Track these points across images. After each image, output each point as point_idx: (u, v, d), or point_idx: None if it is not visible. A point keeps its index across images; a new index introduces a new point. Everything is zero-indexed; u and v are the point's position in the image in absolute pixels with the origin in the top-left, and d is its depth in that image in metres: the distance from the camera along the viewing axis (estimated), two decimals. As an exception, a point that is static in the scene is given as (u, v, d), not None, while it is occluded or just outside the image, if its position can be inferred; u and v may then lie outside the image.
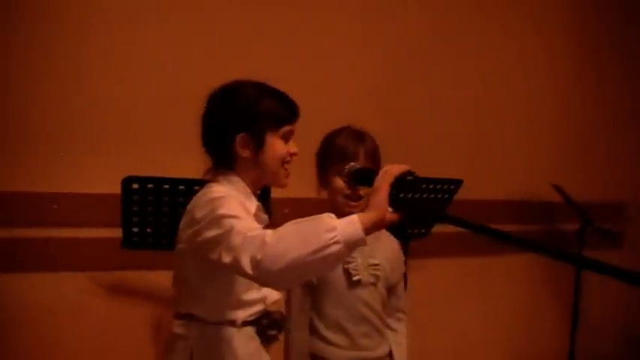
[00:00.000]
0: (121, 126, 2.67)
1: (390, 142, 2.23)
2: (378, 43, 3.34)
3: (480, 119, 3.71)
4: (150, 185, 2.30)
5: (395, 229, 2.35)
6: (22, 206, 2.50)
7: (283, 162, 1.80)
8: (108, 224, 2.43)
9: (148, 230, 2.36)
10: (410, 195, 1.56)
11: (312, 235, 1.41)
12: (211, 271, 1.68)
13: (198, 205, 1.67)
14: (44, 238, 2.54)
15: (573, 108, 4.15)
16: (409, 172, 1.56)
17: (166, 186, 2.32)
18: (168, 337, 1.82)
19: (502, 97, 3.80)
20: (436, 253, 3.39)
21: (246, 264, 1.43)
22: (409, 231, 2.77)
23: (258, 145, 1.75)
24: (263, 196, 1.93)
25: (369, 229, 1.47)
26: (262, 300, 1.81)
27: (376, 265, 2.22)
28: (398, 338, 2.34)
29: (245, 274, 1.46)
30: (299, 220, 1.46)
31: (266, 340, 1.84)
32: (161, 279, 2.08)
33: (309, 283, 2.18)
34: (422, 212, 2.10)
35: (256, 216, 1.70)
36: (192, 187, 2.21)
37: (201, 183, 1.82)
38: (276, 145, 1.77)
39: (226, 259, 1.49)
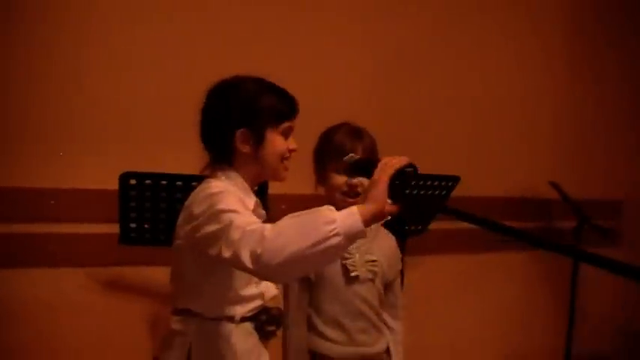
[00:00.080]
0: (120, 123, 2.67)
1: (388, 140, 2.23)
2: (377, 42, 3.34)
3: (478, 117, 3.71)
4: (147, 181, 2.30)
5: (392, 226, 2.35)
6: (20, 202, 2.50)
7: (283, 158, 1.79)
8: (106, 220, 2.43)
9: (146, 226, 2.36)
10: (411, 186, 1.55)
11: (312, 228, 1.41)
12: (210, 266, 1.67)
13: (196, 201, 1.67)
14: (42, 233, 2.54)
15: (571, 106, 4.16)
16: (409, 164, 1.56)
17: (164, 182, 2.31)
18: (166, 333, 1.82)
19: (500, 96, 3.80)
20: (433, 250, 3.39)
21: (246, 258, 1.43)
22: (406, 228, 2.77)
23: (258, 140, 1.75)
24: (260, 192, 1.93)
25: (369, 221, 1.46)
26: (260, 295, 1.81)
27: (374, 261, 2.22)
28: (395, 336, 2.35)
29: (245, 269, 1.45)
30: (298, 213, 1.46)
31: (264, 336, 1.84)
32: (159, 275, 2.08)
33: (307, 279, 2.18)
34: (421, 203, 2.10)
35: (255, 212, 1.69)
36: (189, 182, 2.21)
37: (199, 179, 1.81)
38: (275, 141, 1.77)
39: (226, 253, 1.49)
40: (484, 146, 3.73)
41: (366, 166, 1.65)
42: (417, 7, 3.48)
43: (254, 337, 1.80)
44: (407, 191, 1.55)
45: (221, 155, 1.78)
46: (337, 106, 2.88)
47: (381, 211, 1.49)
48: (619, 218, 4.39)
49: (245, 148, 1.75)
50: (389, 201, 1.52)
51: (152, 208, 2.34)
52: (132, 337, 2.65)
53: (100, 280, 2.64)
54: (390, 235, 2.36)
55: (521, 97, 3.91)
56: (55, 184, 2.54)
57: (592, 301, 4.07)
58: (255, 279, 1.75)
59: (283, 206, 2.42)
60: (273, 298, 1.87)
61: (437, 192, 2.77)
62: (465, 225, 1.59)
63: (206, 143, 1.81)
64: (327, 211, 1.45)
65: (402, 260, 2.43)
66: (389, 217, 1.55)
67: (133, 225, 2.34)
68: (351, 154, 1.86)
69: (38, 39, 2.53)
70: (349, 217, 1.44)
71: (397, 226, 2.47)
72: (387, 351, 2.32)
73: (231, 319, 1.75)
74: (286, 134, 1.80)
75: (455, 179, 2.80)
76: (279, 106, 1.78)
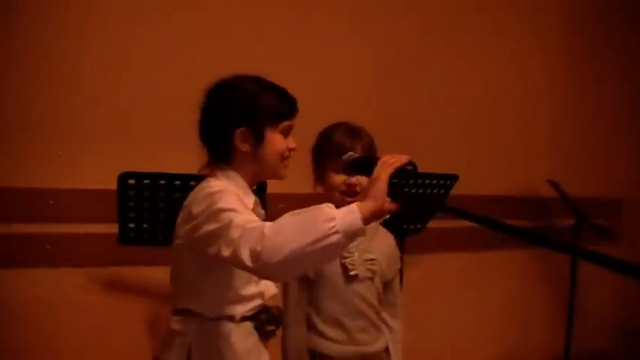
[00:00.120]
0: (119, 123, 2.67)
1: (387, 138, 2.23)
2: (376, 41, 3.34)
3: (477, 116, 3.72)
4: (146, 181, 2.30)
5: (391, 225, 2.35)
6: (20, 202, 2.51)
7: (282, 157, 1.79)
8: (105, 220, 2.43)
9: (144, 226, 2.36)
10: (410, 184, 1.55)
11: (311, 226, 1.40)
12: (209, 265, 1.67)
13: (195, 200, 1.67)
14: (41, 233, 2.54)
15: (570, 105, 4.16)
16: (409, 163, 1.56)
17: (162, 181, 2.31)
18: (166, 333, 1.82)
19: (499, 95, 3.81)
20: (432, 248, 3.40)
21: (245, 256, 1.42)
22: (405, 226, 2.78)
23: (258, 139, 1.74)
24: (259, 192, 1.93)
25: (368, 219, 1.46)
26: (260, 295, 1.81)
27: (373, 260, 2.22)
28: (394, 334, 2.35)
29: (245, 267, 1.45)
30: (298, 210, 1.45)
31: (264, 336, 1.83)
32: (158, 274, 2.08)
33: (306, 278, 2.18)
34: (420, 202, 2.10)
35: (254, 211, 1.69)
36: (188, 182, 2.21)
37: (198, 178, 1.81)
38: (275, 140, 1.77)
39: (225, 252, 1.48)
40: (483, 145, 3.73)
41: (366, 165, 1.64)
42: (416, 6, 3.48)
43: (254, 337, 1.80)
44: (406, 189, 1.55)
45: (220, 154, 1.78)
46: (336, 105, 2.88)
47: (380, 208, 1.49)
48: (617, 217, 4.39)
49: (245, 147, 1.74)
50: (388, 199, 1.52)
51: (151, 208, 2.34)
52: (131, 337, 2.65)
53: (100, 280, 2.65)
54: (389, 234, 2.36)
55: (520, 96, 3.91)
56: (54, 184, 2.55)
57: (591, 300, 4.08)
58: (255, 278, 1.74)
59: (282, 205, 2.42)
60: (273, 297, 1.87)
61: (436, 190, 2.77)
62: (464, 223, 1.59)
63: (205, 142, 1.81)
64: (327, 208, 1.44)
65: (401, 259, 2.43)
66: (387, 216, 1.55)
67: (131, 225, 2.34)
68: (350, 153, 1.86)
69: (37, 39, 2.53)
70: (349, 214, 1.43)
71: (396, 224, 2.47)
72: (387, 350, 2.31)
73: (231, 318, 1.75)
74: (286, 133, 1.80)
75: (453, 178, 2.81)
76: (279, 106, 1.77)
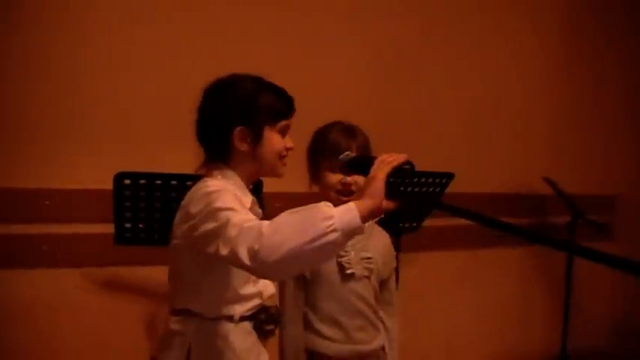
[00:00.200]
0: (116, 123, 2.67)
1: (384, 137, 2.24)
2: (375, 41, 3.35)
3: (474, 115, 3.73)
4: (142, 181, 2.30)
5: (386, 224, 2.36)
6: (18, 202, 2.51)
7: (280, 156, 1.79)
8: (103, 220, 2.43)
9: (140, 226, 2.36)
10: (407, 183, 1.55)
11: (309, 224, 1.40)
12: (208, 265, 1.67)
13: (193, 200, 1.66)
14: (39, 234, 2.54)
15: (567, 104, 4.18)
16: (406, 162, 1.56)
17: (158, 181, 2.31)
18: (165, 333, 1.81)
19: (497, 94, 3.82)
20: (428, 246, 3.41)
21: (243, 255, 1.42)
22: (400, 225, 2.78)
23: (256, 138, 1.74)
24: (255, 191, 1.93)
25: (366, 217, 1.46)
26: (259, 294, 1.81)
27: (369, 258, 2.22)
28: (390, 333, 2.35)
29: (242, 266, 1.45)
30: (296, 209, 1.45)
31: (263, 335, 1.83)
32: (156, 274, 2.08)
33: (302, 277, 2.18)
34: (417, 200, 2.10)
35: (251, 210, 1.68)
36: (184, 182, 2.22)
37: (194, 178, 1.81)
38: (273, 140, 1.77)
39: (223, 251, 1.48)
40: (481, 144, 3.74)
41: (363, 164, 1.64)
42: (416, 6, 3.50)
43: (253, 337, 1.80)
44: (401, 188, 1.55)
45: (218, 154, 1.78)
46: (336, 104, 2.89)
47: (378, 207, 1.49)
48: (613, 213, 4.41)
49: (243, 147, 1.74)
50: (385, 198, 1.52)
51: (147, 208, 2.34)
52: (130, 336, 2.65)
53: (98, 280, 2.65)
54: (385, 232, 2.36)
55: (518, 95, 3.93)
56: (52, 185, 2.55)
57: (588, 297, 4.09)
58: (254, 277, 1.74)
59: (278, 204, 2.42)
60: (271, 296, 1.87)
61: (431, 189, 2.77)
62: (460, 222, 1.59)
63: (203, 142, 1.81)
64: (325, 207, 1.44)
65: (397, 257, 2.44)
66: (382, 215, 1.55)
67: (127, 225, 2.34)
68: (347, 152, 1.86)
69: (35, 39, 2.54)
70: (347, 212, 1.43)
71: (391, 223, 2.47)
72: (384, 348, 2.32)
73: (230, 318, 1.74)
74: (283, 132, 1.80)
75: (449, 176, 2.81)
76: (277, 105, 1.78)
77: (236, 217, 1.51)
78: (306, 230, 1.39)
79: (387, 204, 1.52)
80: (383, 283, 2.32)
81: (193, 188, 1.72)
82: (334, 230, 1.40)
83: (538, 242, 1.39)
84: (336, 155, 1.88)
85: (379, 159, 1.56)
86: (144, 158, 2.49)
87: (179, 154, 2.00)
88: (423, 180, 2.72)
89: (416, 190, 2.68)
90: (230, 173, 1.76)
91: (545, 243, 1.36)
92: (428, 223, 3.02)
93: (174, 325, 1.77)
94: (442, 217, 3.03)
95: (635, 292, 4.28)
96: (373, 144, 2.22)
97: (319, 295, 2.19)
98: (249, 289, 1.77)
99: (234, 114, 1.73)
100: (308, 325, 2.21)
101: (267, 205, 2.03)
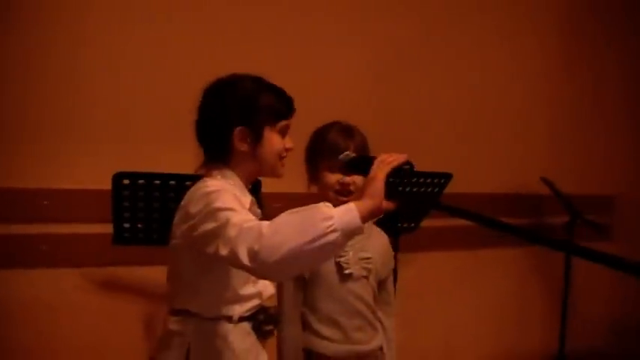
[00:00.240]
0: (115, 123, 2.67)
1: (384, 137, 2.24)
2: (375, 41, 3.35)
3: (473, 115, 3.73)
4: (141, 181, 2.30)
5: (385, 224, 2.36)
6: (18, 202, 2.51)
7: (280, 157, 1.80)
8: (102, 220, 2.42)
9: (139, 226, 2.36)
10: (406, 183, 1.56)
11: (309, 225, 1.41)
12: (207, 265, 1.67)
13: (192, 200, 1.66)
14: (38, 234, 2.54)
15: (566, 104, 4.18)
16: (406, 162, 1.56)
17: (157, 181, 2.31)
18: (164, 334, 1.81)
19: (496, 94, 3.82)
20: (426, 247, 3.40)
21: (243, 255, 1.42)
22: (399, 225, 2.78)
23: (256, 139, 1.74)
24: (254, 191, 1.93)
25: (366, 217, 1.46)
26: (258, 295, 1.81)
27: (368, 258, 2.22)
28: (387, 333, 2.35)
29: (242, 266, 1.45)
30: (295, 209, 1.45)
31: (262, 336, 1.83)
32: (155, 274, 2.08)
33: (301, 278, 2.18)
34: (416, 201, 2.10)
35: (251, 210, 1.69)
36: (183, 182, 2.22)
37: (192, 178, 1.81)
38: (273, 140, 1.77)
39: (223, 251, 1.48)
40: (480, 144, 3.75)
41: (363, 164, 1.65)
42: (415, 6, 3.50)
43: (252, 337, 1.80)
44: (400, 188, 1.55)
45: (217, 154, 1.78)
46: (335, 105, 2.89)
47: (378, 207, 1.50)
48: (611, 213, 4.41)
49: (243, 147, 1.74)
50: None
51: (145, 208, 2.34)
52: (129, 336, 2.65)
53: (97, 280, 2.65)
54: (383, 233, 2.37)
55: (518, 95, 3.93)
56: (50, 185, 2.55)
57: (586, 297, 4.09)
58: (253, 278, 1.74)
59: (277, 204, 2.43)
60: (270, 297, 1.87)
61: (429, 189, 2.77)
62: (458, 222, 1.60)
63: (202, 142, 1.81)
64: (325, 207, 1.44)
65: (395, 258, 2.44)
66: (382, 215, 1.56)
67: (126, 225, 2.34)
68: (347, 152, 1.86)
69: (34, 39, 2.54)
70: (347, 213, 1.44)
71: (390, 223, 2.47)
72: (382, 348, 2.32)
73: (229, 318, 1.74)
74: (283, 133, 1.80)
75: (447, 176, 2.81)
76: (278, 105, 1.78)
77: (236, 217, 1.51)
78: (306, 230, 1.40)
79: (387, 204, 1.53)
80: (381, 284, 2.32)
81: (193, 188, 1.72)
82: (334, 230, 1.40)
83: (536, 242, 1.39)
84: (335, 155, 1.88)
85: (379, 159, 1.57)
86: (143, 158, 2.49)
87: (178, 154, 2.00)
88: (421, 180, 2.72)
89: (414, 190, 2.68)
90: (229, 173, 1.76)
91: (544, 243, 1.37)
92: (426, 223, 3.02)
93: (174, 325, 1.77)
94: (440, 218, 3.03)
95: (633, 292, 4.28)
96: (372, 143, 2.23)
97: (318, 295, 2.19)
98: (248, 289, 1.77)
99: (234, 114, 1.73)
100: (306, 325, 2.21)
101: (266, 206, 2.04)
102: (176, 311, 1.77)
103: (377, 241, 2.31)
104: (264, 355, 1.85)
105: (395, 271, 2.44)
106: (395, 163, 1.54)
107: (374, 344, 2.27)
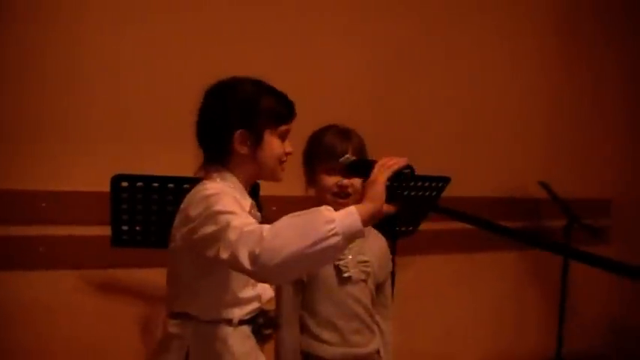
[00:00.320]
0: (113, 124, 2.68)
1: (382, 139, 2.24)
2: (375, 41, 3.36)
3: (471, 118, 3.73)
4: (139, 183, 2.30)
5: (382, 227, 2.36)
6: (13, 204, 2.51)
7: (280, 161, 1.80)
8: (100, 222, 2.42)
9: (137, 228, 2.36)
10: (406, 187, 1.56)
11: (310, 228, 1.41)
12: (207, 268, 1.67)
13: (192, 203, 1.66)
14: (37, 236, 2.54)
15: (564, 107, 4.18)
16: (407, 166, 1.57)
17: (155, 184, 2.31)
18: (163, 337, 1.81)
19: (494, 96, 3.82)
20: (423, 250, 3.41)
21: (244, 259, 1.42)
22: (397, 228, 2.78)
23: (257, 142, 1.74)
24: (252, 194, 1.93)
25: (367, 221, 1.47)
26: (258, 298, 1.81)
27: (366, 261, 2.22)
28: (384, 336, 2.35)
29: (243, 270, 1.45)
30: (296, 213, 1.46)
31: (261, 339, 1.83)
32: (154, 277, 2.09)
33: (300, 281, 2.18)
34: (415, 204, 2.10)
35: (251, 213, 1.69)
36: (181, 184, 2.22)
37: (191, 181, 1.81)
38: (273, 144, 1.77)
39: (224, 254, 1.48)
40: (477, 147, 3.75)
41: (363, 167, 1.65)
42: (415, 6, 3.50)
43: (252, 341, 1.80)
44: (399, 191, 1.56)
45: (217, 156, 1.77)
46: (335, 105, 2.90)
47: (379, 210, 1.50)
48: (608, 217, 4.41)
49: (243, 150, 1.74)
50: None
51: (144, 210, 2.34)
52: (127, 339, 2.65)
53: (95, 282, 2.65)
54: (381, 236, 2.37)
55: (513, 96, 3.93)
56: (48, 187, 2.55)
57: (583, 300, 4.09)
58: (252, 281, 1.74)
59: (274, 208, 2.43)
60: (270, 300, 1.87)
61: (427, 193, 2.78)
62: (455, 225, 1.60)
63: (202, 144, 1.80)
64: (326, 211, 1.45)
65: (393, 261, 2.44)
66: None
67: (124, 227, 2.34)
68: (347, 156, 1.86)
69: (30, 39, 2.54)
70: (348, 216, 1.44)
71: (387, 227, 2.47)
72: (379, 352, 2.32)
73: (229, 322, 1.74)
74: (283, 137, 1.80)
75: (445, 180, 2.82)
76: (278, 109, 1.78)
77: (236, 220, 1.50)
78: (307, 234, 1.40)
79: (388, 208, 1.53)
80: (379, 287, 2.32)
81: (192, 191, 1.72)
82: (335, 234, 1.40)
83: (534, 245, 1.40)
84: (332, 158, 1.89)
85: (380, 162, 1.57)
86: (141, 160, 2.50)
87: (177, 155, 2.00)
88: (419, 184, 2.73)
89: (413, 193, 2.68)
90: (229, 176, 1.76)
91: (541, 246, 1.37)
92: (424, 226, 3.02)
93: (173, 328, 1.76)
94: (438, 221, 3.04)
95: (630, 295, 4.29)
96: (370, 144, 2.23)
97: (316, 299, 2.19)
98: (248, 292, 1.77)
99: (235, 117, 1.73)
100: (304, 328, 2.20)
101: (264, 209, 2.04)
102: (175, 314, 1.77)
103: (375, 244, 2.31)
104: (263, 358, 1.85)
105: (393, 274, 2.44)
106: (395, 167, 1.54)
107: (371, 347, 2.27)
